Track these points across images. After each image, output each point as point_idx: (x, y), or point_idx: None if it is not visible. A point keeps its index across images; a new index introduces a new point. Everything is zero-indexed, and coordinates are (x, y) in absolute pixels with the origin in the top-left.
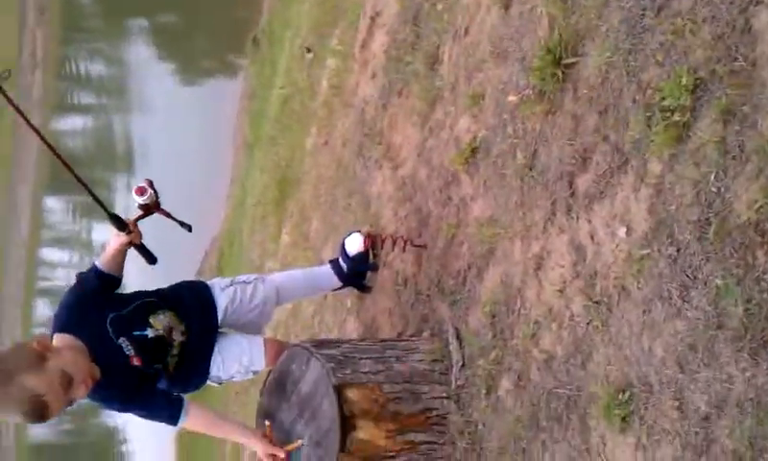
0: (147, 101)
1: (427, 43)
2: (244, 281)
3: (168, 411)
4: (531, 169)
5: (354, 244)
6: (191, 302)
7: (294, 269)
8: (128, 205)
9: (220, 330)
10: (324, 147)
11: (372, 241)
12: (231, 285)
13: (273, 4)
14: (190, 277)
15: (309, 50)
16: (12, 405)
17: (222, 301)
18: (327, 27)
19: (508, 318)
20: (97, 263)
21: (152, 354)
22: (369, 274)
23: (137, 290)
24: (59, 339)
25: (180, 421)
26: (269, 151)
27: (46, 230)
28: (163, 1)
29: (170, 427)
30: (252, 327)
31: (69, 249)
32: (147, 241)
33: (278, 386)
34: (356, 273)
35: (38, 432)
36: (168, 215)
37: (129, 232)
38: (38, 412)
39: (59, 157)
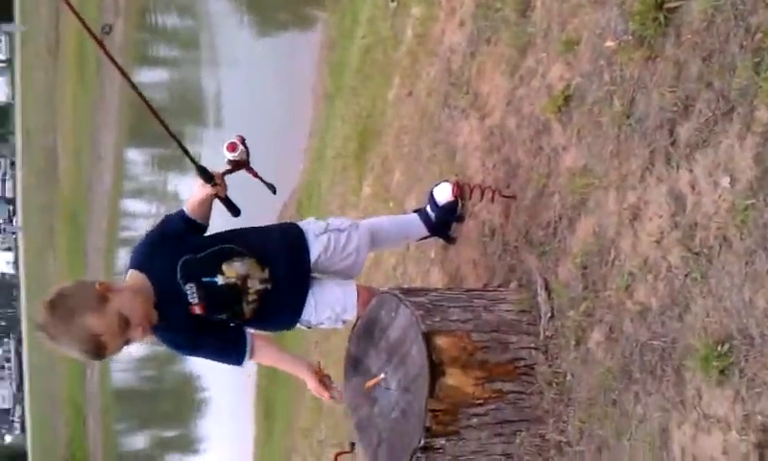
0: (226, 53)
1: None
2: (338, 229)
3: (233, 353)
4: (628, 117)
5: (444, 193)
6: (279, 247)
7: (381, 217)
8: (206, 156)
9: (313, 276)
10: (408, 97)
11: (461, 191)
12: (326, 233)
13: None
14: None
15: None
16: (73, 342)
17: (315, 248)
18: None
19: (600, 269)
20: (184, 208)
21: (219, 302)
22: (454, 224)
23: (222, 231)
24: (130, 276)
25: (245, 361)
26: (349, 102)
27: (128, 181)
28: None
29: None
30: (343, 275)
31: (150, 200)
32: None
33: (366, 332)
34: (443, 222)
35: (121, 378)
36: (255, 175)
37: (214, 185)
38: (96, 351)
39: (153, 112)
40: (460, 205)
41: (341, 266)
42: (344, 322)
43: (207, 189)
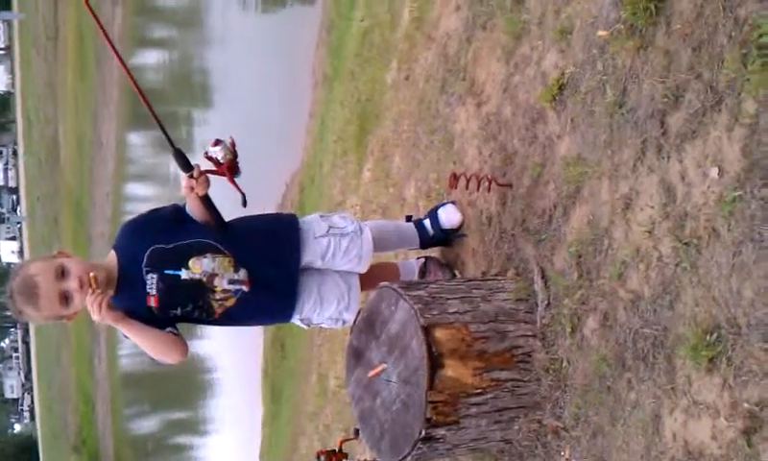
0: (224, 32)
1: None
2: (341, 233)
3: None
4: (621, 107)
5: (450, 218)
6: (266, 248)
7: (386, 221)
8: (203, 138)
9: (317, 268)
10: (406, 82)
11: (456, 181)
12: (327, 235)
13: None
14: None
15: None
16: (14, 286)
17: (313, 249)
18: None
19: (594, 258)
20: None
21: (178, 296)
22: (455, 240)
23: (205, 226)
24: (109, 253)
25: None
26: (349, 85)
27: (130, 165)
28: None
29: None
30: (344, 274)
31: (153, 183)
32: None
33: (368, 325)
34: (441, 241)
35: (128, 363)
36: (234, 184)
37: (191, 176)
38: (28, 290)
39: (137, 87)
40: (461, 225)
41: (342, 267)
42: (344, 322)
43: (185, 181)
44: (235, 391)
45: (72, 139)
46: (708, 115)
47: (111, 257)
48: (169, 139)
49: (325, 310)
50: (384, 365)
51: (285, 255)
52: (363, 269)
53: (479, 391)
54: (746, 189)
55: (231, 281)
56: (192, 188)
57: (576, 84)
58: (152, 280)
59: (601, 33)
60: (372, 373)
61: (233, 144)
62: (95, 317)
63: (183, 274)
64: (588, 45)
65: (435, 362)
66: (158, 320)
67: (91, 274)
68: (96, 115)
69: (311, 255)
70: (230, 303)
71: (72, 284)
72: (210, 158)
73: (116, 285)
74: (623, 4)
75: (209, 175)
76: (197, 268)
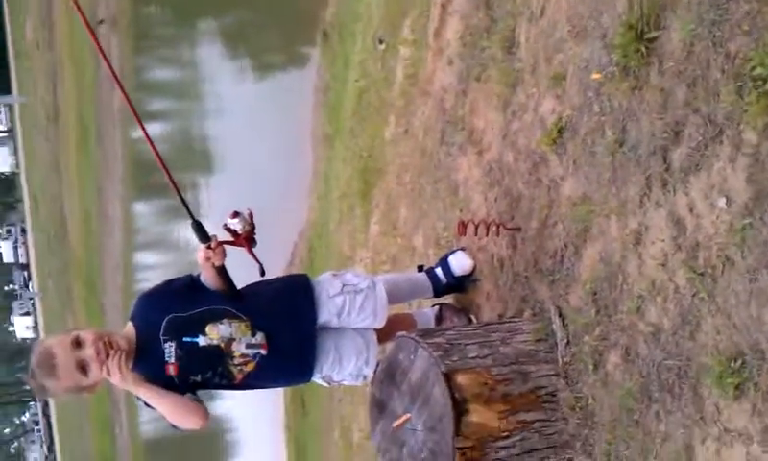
0: (222, 102)
1: (502, 26)
2: (354, 290)
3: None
4: (621, 145)
5: (461, 264)
6: (282, 311)
7: (396, 274)
8: (207, 208)
9: (334, 326)
10: (405, 136)
11: (465, 229)
12: (341, 294)
13: None
14: (279, 272)
15: (381, 41)
16: (34, 362)
17: (328, 309)
18: (398, 17)
19: (610, 294)
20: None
21: (196, 363)
22: (470, 285)
23: (220, 293)
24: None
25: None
26: (349, 143)
27: (138, 235)
28: (229, 1)
29: None
30: (360, 330)
31: (162, 251)
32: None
33: (388, 376)
34: (455, 287)
35: (150, 429)
36: (252, 254)
37: (209, 246)
38: (47, 361)
39: (160, 159)
40: (473, 270)
41: (359, 325)
42: (365, 377)
43: (201, 252)
44: (260, 449)
45: (78, 214)
46: (711, 147)
47: (129, 329)
48: (189, 210)
49: (345, 368)
50: (408, 415)
51: (300, 317)
52: (379, 324)
53: (506, 434)
54: (755, 217)
55: (249, 345)
56: (209, 259)
57: (575, 126)
58: (170, 349)
59: (595, 76)
60: (396, 423)
61: (251, 216)
62: (115, 379)
63: (201, 340)
64: (583, 89)
65: (459, 408)
66: (179, 388)
67: (105, 338)
68: (100, 189)
69: (327, 315)
70: (250, 367)
71: (88, 352)
72: (229, 230)
73: (135, 356)
74: (614, 47)
75: (227, 246)
76: (214, 334)
